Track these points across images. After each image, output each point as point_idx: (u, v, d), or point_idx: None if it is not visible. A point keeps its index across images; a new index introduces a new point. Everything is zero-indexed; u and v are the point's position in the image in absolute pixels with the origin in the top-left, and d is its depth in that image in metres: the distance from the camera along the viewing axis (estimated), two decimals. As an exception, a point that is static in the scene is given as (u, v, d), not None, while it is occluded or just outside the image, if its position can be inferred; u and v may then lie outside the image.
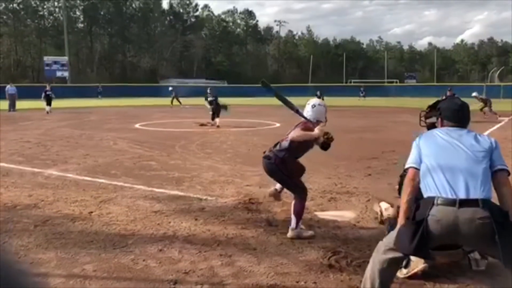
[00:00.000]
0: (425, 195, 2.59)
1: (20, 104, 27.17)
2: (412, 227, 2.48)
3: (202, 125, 15.59)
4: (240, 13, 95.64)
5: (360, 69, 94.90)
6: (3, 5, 68.27)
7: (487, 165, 2.58)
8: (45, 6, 73.78)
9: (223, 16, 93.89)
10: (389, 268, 2.65)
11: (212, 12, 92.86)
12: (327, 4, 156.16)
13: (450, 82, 65.95)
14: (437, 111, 2.99)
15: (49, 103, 23.67)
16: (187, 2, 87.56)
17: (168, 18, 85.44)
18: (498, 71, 63.19)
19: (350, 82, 70.21)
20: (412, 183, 2.67)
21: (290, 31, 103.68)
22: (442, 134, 2.72)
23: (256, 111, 25.30)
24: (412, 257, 3.16)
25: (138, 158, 8.85)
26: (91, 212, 4.97)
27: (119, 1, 78.69)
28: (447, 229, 2.44)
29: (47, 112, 22.72)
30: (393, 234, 2.65)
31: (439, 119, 2.90)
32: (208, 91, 17.12)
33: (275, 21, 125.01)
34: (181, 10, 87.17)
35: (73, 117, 20.94)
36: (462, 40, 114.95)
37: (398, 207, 2.93)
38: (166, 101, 32.83)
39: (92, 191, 5.97)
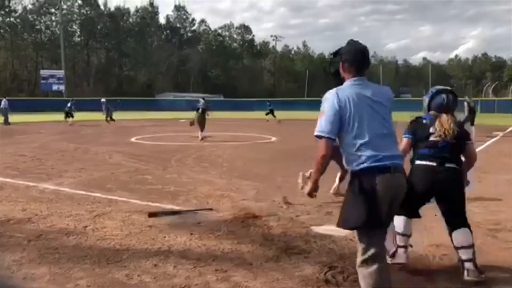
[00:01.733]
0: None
1: (17, 117, 27.11)
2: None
3: (202, 139, 15.46)
4: (236, 27, 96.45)
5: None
6: (1, 18, 68.61)
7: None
8: (42, 20, 74.09)
9: (219, 31, 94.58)
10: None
11: (208, 27, 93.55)
12: (324, 19, 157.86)
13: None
14: (338, 55, 2.93)
15: (71, 116, 25.60)
16: (184, 17, 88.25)
17: (164, 32, 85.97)
18: (492, 86, 63.73)
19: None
20: None
21: (286, 45, 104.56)
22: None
23: (252, 125, 25.34)
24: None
25: (134, 172, 8.82)
26: (86, 227, 4.93)
27: (116, 16, 79.20)
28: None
29: (70, 124, 24.23)
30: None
31: (341, 64, 2.86)
32: (201, 101, 16.80)
33: (271, 36, 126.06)
34: (178, 25, 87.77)
35: (68, 130, 20.89)
36: (456, 55, 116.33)
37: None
38: (162, 115, 32.85)
39: (86, 205, 5.93)
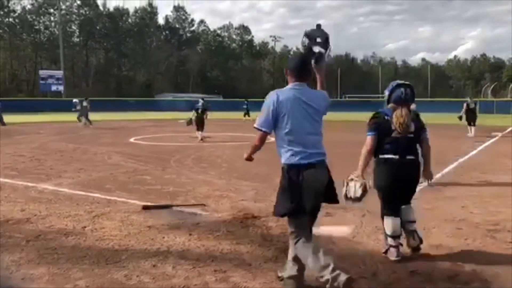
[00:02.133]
0: None
1: (16, 118, 27.08)
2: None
3: (202, 139, 15.44)
4: (235, 28, 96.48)
5: (355, 84, 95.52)
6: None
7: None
8: (41, 21, 74.04)
9: (218, 31, 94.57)
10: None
11: (208, 27, 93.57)
12: (323, 20, 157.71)
13: (444, 98, 66.45)
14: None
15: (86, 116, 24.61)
16: (183, 17, 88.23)
17: (164, 33, 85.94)
18: (491, 87, 63.82)
19: (345, 97, 70.64)
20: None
21: (285, 46, 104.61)
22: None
23: (251, 125, 25.30)
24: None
25: (133, 172, 8.81)
26: (84, 227, 4.93)
27: (115, 16, 79.17)
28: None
29: (85, 124, 23.81)
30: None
31: (285, 70, 3.36)
32: (201, 102, 16.71)
33: (271, 36, 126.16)
34: (177, 25, 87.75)
35: (67, 131, 20.87)
36: (455, 56, 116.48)
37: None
38: (161, 115, 32.83)
39: (85, 205, 5.92)
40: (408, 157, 3.97)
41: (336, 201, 3.43)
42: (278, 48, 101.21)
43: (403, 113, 3.95)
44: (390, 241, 3.98)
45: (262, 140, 3.31)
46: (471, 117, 18.24)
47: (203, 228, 4.88)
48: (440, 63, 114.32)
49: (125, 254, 4.05)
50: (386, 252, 4.02)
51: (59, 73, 57.80)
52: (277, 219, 5.19)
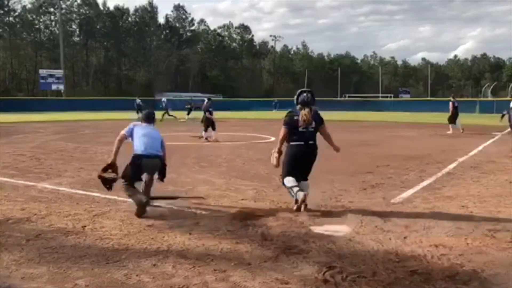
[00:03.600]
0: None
1: (16, 117, 27.06)
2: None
3: (200, 138, 15.45)
4: (235, 27, 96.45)
5: (355, 84, 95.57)
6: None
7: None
8: (41, 20, 74.04)
9: (219, 31, 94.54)
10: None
11: (208, 27, 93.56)
12: (323, 20, 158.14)
13: (444, 97, 66.33)
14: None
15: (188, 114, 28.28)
16: (183, 16, 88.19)
17: (164, 32, 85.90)
18: (491, 87, 63.82)
19: (345, 97, 70.66)
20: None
21: (285, 45, 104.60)
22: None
23: (251, 124, 25.35)
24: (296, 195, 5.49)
25: (133, 171, 8.78)
26: (84, 226, 4.92)
27: (115, 15, 79.15)
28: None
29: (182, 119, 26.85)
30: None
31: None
32: (207, 103, 16.10)
33: (271, 35, 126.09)
34: (177, 25, 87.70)
35: (67, 130, 20.87)
36: (455, 56, 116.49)
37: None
38: (161, 114, 32.83)
39: (85, 204, 5.92)
40: (310, 142, 5.64)
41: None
42: (278, 48, 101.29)
43: (306, 112, 5.60)
44: (295, 189, 5.52)
45: (121, 137, 5.89)
46: (455, 116, 19.10)
47: (203, 228, 4.88)
48: (440, 63, 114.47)
49: (125, 253, 4.05)
50: (296, 201, 5.51)
51: (59, 72, 57.81)
52: (277, 218, 5.22)
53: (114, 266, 3.74)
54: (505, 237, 4.56)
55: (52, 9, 72.61)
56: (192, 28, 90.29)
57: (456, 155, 11.24)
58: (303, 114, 5.59)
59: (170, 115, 29.38)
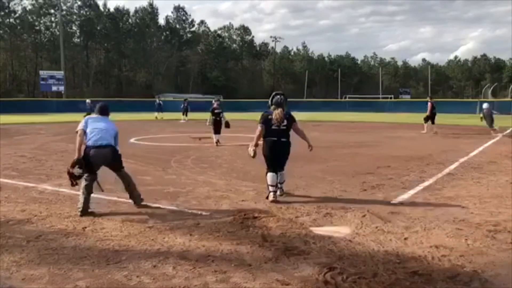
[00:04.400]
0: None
1: (16, 118, 27.08)
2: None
3: (201, 139, 15.26)
4: (236, 29, 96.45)
5: (355, 85, 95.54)
6: (0, 19, 68.54)
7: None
8: (41, 21, 74.06)
9: (219, 32, 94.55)
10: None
11: (208, 28, 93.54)
12: (324, 20, 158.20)
13: (444, 98, 66.40)
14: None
15: (185, 113, 29.47)
16: (184, 18, 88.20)
17: (164, 33, 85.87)
18: (492, 88, 63.78)
19: (345, 98, 70.65)
20: None
21: (285, 47, 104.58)
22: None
23: (252, 126, 25.30)
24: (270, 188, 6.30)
25: (133, 172, 8.73)
26: (85, 228, 4.93)
27: (115, 17, 79.18)
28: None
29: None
30: None
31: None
32: (217, 103, 15.06)
33: (271, 37, 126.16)
34: (178, 26, 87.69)
35: (68, 131, 20.85)
36: (456, 57, 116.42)
37: None
38: (161, 115, 32.83)
39: (86, 206, 5.92)
40: (282, 139, 6.41)
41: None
42: (278, 49, 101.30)
43: (279, 112, 6.37)
44: (270, 188, 6.29)
45: (80, 133, 5.76)
46: (433, 116, 19.59)
47: (203, 229, 4.88)
48: (441, 64, 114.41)
49: (126, 254, 4.05)
50: (267, 197, 6.29)
51: (60, 73, 57.75)
52: (277, 219, 5.22)
53: (114, 267, 3.74)
54: (505, 238, 4.56)
55: (52, 11, 72.58)
56: (192, 29, 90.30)
57: (456, 156, 11.24)
58: (276, 113, 6.38)
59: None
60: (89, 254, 4.06)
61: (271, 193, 6.25)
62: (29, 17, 71.94)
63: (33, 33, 72.91)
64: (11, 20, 70.91)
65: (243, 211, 5.61)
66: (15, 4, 70.13)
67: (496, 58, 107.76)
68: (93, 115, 6.15)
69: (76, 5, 75.83)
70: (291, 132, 6.52)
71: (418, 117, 35.39)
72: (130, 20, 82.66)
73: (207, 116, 15.10)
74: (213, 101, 15.43)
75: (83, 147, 5.70)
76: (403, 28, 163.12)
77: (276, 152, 6.43)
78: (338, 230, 4.85)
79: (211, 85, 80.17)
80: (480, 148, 13.29)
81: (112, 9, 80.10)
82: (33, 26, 72.29)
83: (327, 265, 3.79)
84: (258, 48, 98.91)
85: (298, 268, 3.75)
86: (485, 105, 19.49)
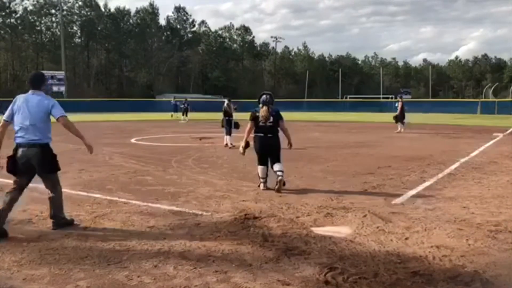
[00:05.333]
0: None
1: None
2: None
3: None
4: (236, 29, 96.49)
5: (356, 85, 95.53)
6: (1, 20, 68.61)
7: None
8: (42, 22, 74.13)
9: (220, 32, 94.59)
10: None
11: (209, 28, 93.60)
12: (325, 21, 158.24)
13: (445, 98, 66.34)
14: None
15: (185, 113, 28.44)
16: (184, 18, 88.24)
17: (165, 33, 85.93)
18: (492, 88, 63.71)
19: (346, 98, 70.60)
20: None
21: (286, 47, 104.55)
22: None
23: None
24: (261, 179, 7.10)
25: (134, 173, 8.81)
26: (86, 228, 4.93)
27: (116, 17, 79.22)
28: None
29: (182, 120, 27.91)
30: None
31: None
32: (230, 104, 14.73)
33: (272, 37, 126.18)
34: (178, 26, 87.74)
35: (68, 131, 20.83)
36: (456, 57, 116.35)
37: None
38: (162, 116, 32.86)
39: (87, 206, 5.93)
40: (269, 135, 7.08)
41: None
42: (279, 49, 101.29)
43: (265, 110, 7.04)
44: (261, 179, 7.10)
45: (3, 126, 5.34)
46: (403, 115, 20.27)
47: (204, 229, 4.88)
48: (442, 64, 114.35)
49: (126, 254, 4.05)
50: (259, 185, 7.12)
51: (61, 74, 57.86)
52: (278, 219, 5.21)
53: (115, 267, 3.75)
54: (506, 238, 4.55)
55: (53, 11, 72.72)
56: (193, 29, 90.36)
57: (457, 156, 11.23)
58: (262, 111, 7.07)
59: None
60: (90, 254, 4.06)
61: (262, 184, 7.11)
62: (30, 18, 72.04)
63: (34, 33, 73.02)
64: (12, 20, 70.97)
65: (244, 211, 5.60)
66: (16, 4, 70.27)
67: (497, 58, 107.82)
68: (23, 94, 5.16)
69: (77, 5, 75.93)
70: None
71: (418, 117, 35.24)
72: (131, 20, 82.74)
73: (207, 116, 15.16)
74: (227, 101, 14.82)
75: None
76: (404, 28, 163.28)
77: (263, 147, 7.12)
78: (339, 230, 4.84)
79: (211, 85, 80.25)
80: (481, 148, 13.28)
81: (113, 9, 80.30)
82: (34, 26, 72.39)
83: (328, 265, 3.79)
84: (259, 48, 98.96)
85: (299, 268, 3.75)
86: None
